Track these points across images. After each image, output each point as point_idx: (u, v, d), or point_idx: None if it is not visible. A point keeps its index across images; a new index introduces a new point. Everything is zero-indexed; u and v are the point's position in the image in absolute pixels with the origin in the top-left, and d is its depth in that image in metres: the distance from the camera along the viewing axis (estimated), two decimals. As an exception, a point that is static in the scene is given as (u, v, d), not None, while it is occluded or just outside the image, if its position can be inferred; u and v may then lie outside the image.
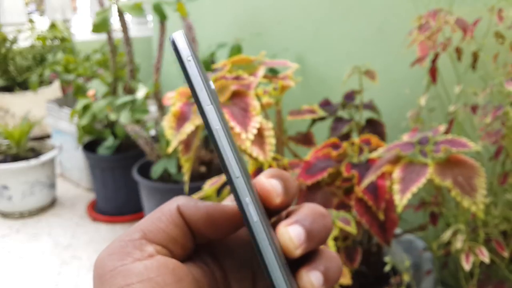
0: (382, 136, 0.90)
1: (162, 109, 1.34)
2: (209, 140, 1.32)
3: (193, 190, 0.95)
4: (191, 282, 0.19)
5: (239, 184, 0.18)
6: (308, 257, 0.20)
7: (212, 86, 0.20)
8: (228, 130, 0.19)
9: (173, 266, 0.18)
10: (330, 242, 0.65)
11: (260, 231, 0.17)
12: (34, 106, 2.13)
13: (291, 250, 0.19)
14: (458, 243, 0.65)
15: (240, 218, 0.19)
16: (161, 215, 0.20)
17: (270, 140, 0.68)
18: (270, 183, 0.20)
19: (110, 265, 0.18)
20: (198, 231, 0.20)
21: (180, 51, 0.18)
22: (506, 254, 0.66)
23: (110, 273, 0.18)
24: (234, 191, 0.18)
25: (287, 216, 0.20)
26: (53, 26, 2.19)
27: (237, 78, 0.72)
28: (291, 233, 0.19)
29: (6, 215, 1.56)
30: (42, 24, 2.32)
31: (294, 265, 0.20)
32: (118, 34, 1.53)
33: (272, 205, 0.20)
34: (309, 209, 0.20)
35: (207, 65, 1.32)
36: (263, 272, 0.18)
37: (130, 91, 1.44)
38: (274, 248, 0.18)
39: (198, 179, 1.24)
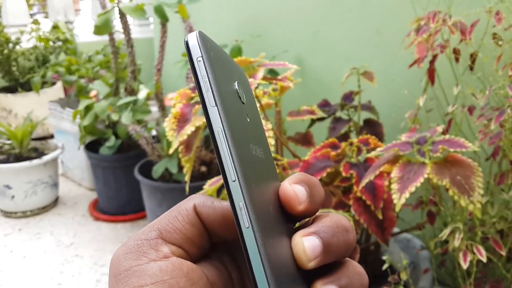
0: (380, 136, 0.91)
1: (163, 109, 1.35)
2: (209, 141, 1.33)
3: (194, 189, 0.96)
4: (205, 286, 0.19)
5: (234, 188, 0.17)
6: (329, 268, 0.19)
7: (236, 86, 0.20)
8: (245, 131, 0.19)
9: (188, 269, 0.18)
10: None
11: (250, 238, 0.17)
12: (36, 106, 2.14)
13: (304, 262, 0.18)
14: (456, 242, 0.66)
15: None
16: (178, 214, 0.19)
17: (269, 141, 0.69)
18: (293, 189, 0.19)
19: (126, 264, 0.18)
20: (214, 231, 0.20)
21: (191, 52, 0.18)
22: (503, 252, 0.67)
23: (125, 273, 0.18)
24: (229, 194, 0.17)
25: (312, 223, 0.20)
26: (55, 27, 2.21)
27: (237, 79, 0.73)
28: (306, 245, 0.18)
29: (8, 214, 1.57)
30: (45, 25, 2.34)
31: (314, 275, 0.19)
32: (120, 36, 1.55)
33: (294, 211, 0.19)
34: (332, 221, 0.19)
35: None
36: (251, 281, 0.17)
37: (132, 92, 1.45)
38: (267, 258, 0.17)
39: (198, 179, 1.25)
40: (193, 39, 0.18)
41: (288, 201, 0.19)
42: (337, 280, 0.18)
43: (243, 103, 0.20)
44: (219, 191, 0.84)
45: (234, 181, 0.17)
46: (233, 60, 0.22)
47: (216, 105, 0.17)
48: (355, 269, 0.19)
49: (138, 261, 0.18)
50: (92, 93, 1.50)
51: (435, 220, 0.78)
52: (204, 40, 0.18)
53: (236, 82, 0.20)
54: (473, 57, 0.78)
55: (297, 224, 0.20)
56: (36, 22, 2.32)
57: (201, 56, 0.18)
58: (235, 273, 0.21)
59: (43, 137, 2.23)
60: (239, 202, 0.17)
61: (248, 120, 0.20)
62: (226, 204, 0.20)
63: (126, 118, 1.29)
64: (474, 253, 0.64)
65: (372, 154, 0.73)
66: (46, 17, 3.24)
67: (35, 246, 1.38)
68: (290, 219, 0.20)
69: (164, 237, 0.19)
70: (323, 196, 0.20)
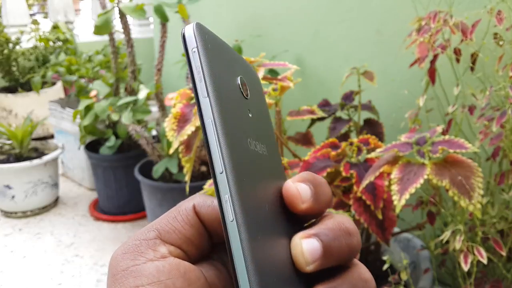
0: (380, 136, 0.91)
1: (164, 109, 1.35)
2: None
3: (194, 189, 0.96)
4: (202, 286, 0.19)
5: (221, 180, 0.17)
6: (332, 272, 0.18)
7: (238, 81, 0.19)
8: (243, 125, 0.18)
9: (185, 270, 0.18)
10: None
11: (234, 233, 0.16)
12: (37, 106, 2.14)
13: (302, 265, 0.18)
14: (457, 244, 0.66)
15: None
16: (177, 215, 0.19)
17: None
18: (295, 187, 0.19)
19: (123, 264, 0.18)
20: (214, 230, 0.20)
21: (186, 43, 0.18)
22: (504, 252, 0.67)
23: (122, 273, 0.18)
24: (215, 186, 0.17)
25: (316, 224, 0.19)
26: (55, 27, 2.20)
27: (237, 79, 0.73)
28: (304, 247, 0.18)
29: (9, 214, 1.58)
30: (45, 25, 2.34)
31: (316, 279, 0.18)
32: (120, 36, 1.55)
33: (297, 210, 0.19)
34: (335, 223, 0.19)
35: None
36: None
37: (132, 92, 1.45)
38: (251, 254, 0.16)
39: (199, 178, 1.25)
40: (189, 30, 0.18)
41: (290, 199, 0.19)
42: (338, 286, 0.18)
43: (246, 98, 0.20)
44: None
45: (221, 173, 0.17)
46: (239, 55, 0.21)
47: (208, 96, 0.17)
48: (360, 275, 0.18)
49: (136, 261, 0.18)
50: (92, 93, 1.50)
51: (435, 220, 0.78)
52: (201, 32, 0.18)
53: (239, 77, 0.20)
54: (473, 57, 0.78)
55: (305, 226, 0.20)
56: (35, 22, 2.32)
57: (196, 47, 0.17)
58: None
59: (43, 137, 2.23)
60: (225, 195, 0.16)
61: (250, 115, 0.20)
62: None
63: (126, 118, 1.29)
64: (474, 255, 0.64)
65: (372, 155, 0.73)
66: (45, 17, 3.24)
67: (36, 246, 1.38)
68: (296, 220, 0.19)
69: (162, 237, 0.19)
70: (330, 195, 0.19)
